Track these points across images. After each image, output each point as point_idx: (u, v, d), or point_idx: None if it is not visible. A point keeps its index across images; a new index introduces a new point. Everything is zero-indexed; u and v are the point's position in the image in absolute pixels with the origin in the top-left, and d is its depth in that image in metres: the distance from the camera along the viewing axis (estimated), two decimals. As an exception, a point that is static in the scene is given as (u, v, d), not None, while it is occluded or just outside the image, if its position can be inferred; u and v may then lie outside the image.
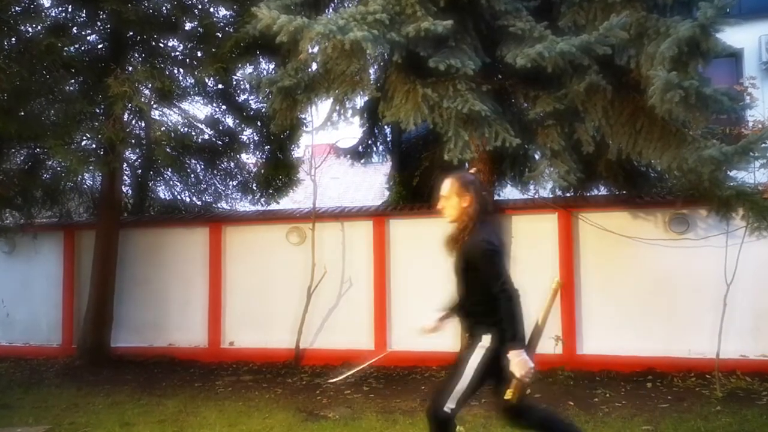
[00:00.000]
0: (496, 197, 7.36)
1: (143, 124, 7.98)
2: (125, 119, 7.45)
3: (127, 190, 9.14)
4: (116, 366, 7.48)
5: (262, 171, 8.64)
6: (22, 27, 6.74)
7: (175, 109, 8.27)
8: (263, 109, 7.60)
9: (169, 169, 8.73)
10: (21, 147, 7.63)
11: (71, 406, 5.70)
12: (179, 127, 8.14)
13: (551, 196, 6.79)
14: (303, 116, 6.85)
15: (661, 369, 6.45)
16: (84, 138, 7.56)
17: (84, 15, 7.48)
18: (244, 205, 9.40)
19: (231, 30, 7.02)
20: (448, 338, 6.23)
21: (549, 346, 6.72)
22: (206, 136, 8.51)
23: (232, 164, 9.01)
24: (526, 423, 3.13)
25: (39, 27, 6.88)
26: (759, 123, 7.06)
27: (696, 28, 4.60)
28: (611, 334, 6.79)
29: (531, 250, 7.05)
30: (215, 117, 8.50)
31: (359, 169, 10.26)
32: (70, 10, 7.38)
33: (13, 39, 6.65)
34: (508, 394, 2.98)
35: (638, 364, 6.55)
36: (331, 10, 6.36)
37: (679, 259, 6.67)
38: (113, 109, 6.46)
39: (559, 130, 5.62)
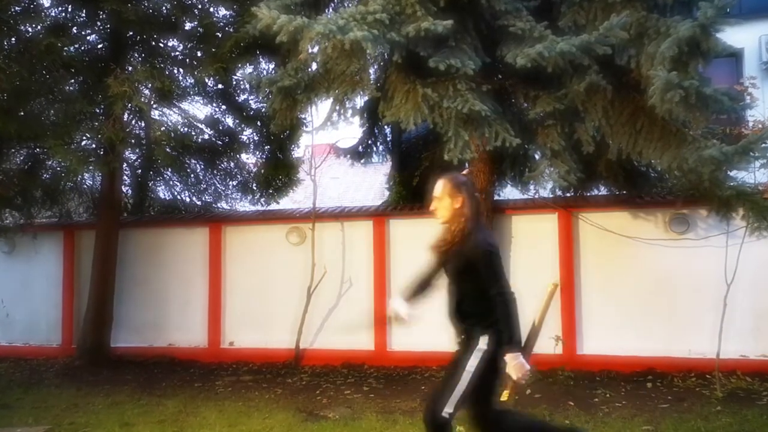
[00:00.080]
0: (496, 197, 7.35)
1: (143, 124, 7.97)
2: (125, 119, 7.45)
3: (127, 190, 9.14)
4: (116, 366, 7.48)
5: (262, 171, 8.64)
6: (22, 27, 6.74)
7: (174, 109, 8.27)
8: (263, 109, 7.59)
9: (169, 169, 8.73)
10: (21, 147, 7.62)
11: (71, 406, 5.69)
12: (179, 127, 8.14)
13: (551, 196, 6.79)
14: (303, 116, 6.84)
15: (661, 369, 6.45)
16: (84, 138, 7.55)
17: (84, 15, 7.47)
18: (244, 205, 9.39)
19: (231, 30, 7.02)
20: (448, 338, 6.20)
21: (549, 346, 6.72)
22: (206, 136, 8.50)
23: (232, 164, 9.01)
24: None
25: (39, 27, 6.88)
26: (759, 123, 7.05)
27: (696, 28, 4.60)
28: (611, 334, 6.78)
29: (531, 250, 7.06)
30: (215, 117, 8.49)
31: (359, 169, 10.26)
32: (69, 9, 7.38)
33: (13, 39, 6.65)
34: (504, 396, 3.03)
35: (638, 364, 6.55)
36: (331, 9, 6.36)
37: (680, 259, 6.67)
38: (113, 109, 6.46)
39: (559, 130, 5.62)
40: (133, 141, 7.88)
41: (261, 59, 7.57)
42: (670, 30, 4.89)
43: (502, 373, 2.96)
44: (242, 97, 8.34)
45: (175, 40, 7.65)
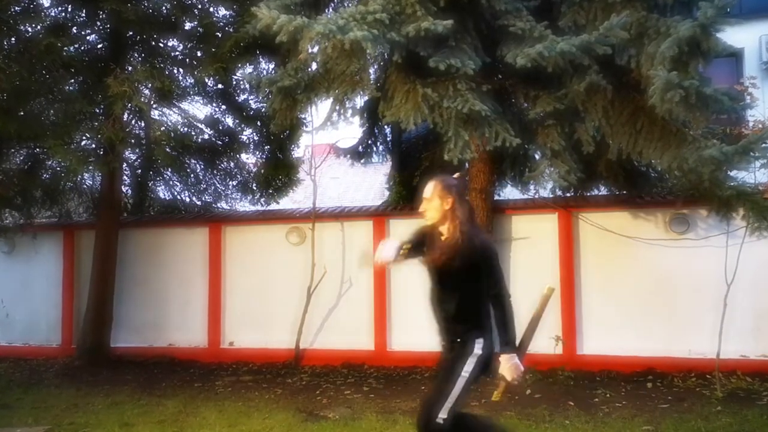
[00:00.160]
0: (496, 197, 7.35)
1: (143, 124, 7.97)
2: (125, 119, 7.45)
3: (126, 190, 9.14)
4: (116, 366, 7.47)
5: (262, 171, 8.64)
6: (22, 27, 6.74)
7: (174, 109, 8.27)
8: (263, 109, 7.59)
9: (169, 169, 8.73)
10: (21, 147, 7.62)
11: (71, 407, 5.69)
12: (179, 127, 8.14)
13: (551, 196, 6.79)
14: (303, 116, 6.84)
15: (661, 369, 6.45)
16: (84, 138, 7.56)
17: (84, 15, 7.47)
18: (244, 205, 9.39)
19: (231, 30, 7.02)
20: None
21: (549, 346, 6.73)
22: (206, 136, 8.50)
23: (231, 164, 9.01)
24: None
25: (38, 27, 6.88)
26: (759, 123, 7.06)
27: (696, 27, 4.59)
28: (611, 334, 6.78)
29: (531, 250, 7.05)
30: (215, 117, 8.49)
31: (359, 169, 10.25)
32: (69, 9, 7.38)
33: (13, 39, 6.65)
34: (496, 396, 3.04)
35: (638, 365, 6.55)
36: (331, 9, 6.35)
37: (680, 259, 6.66)
38: (113, 109, 6.46)
39: (559, 130, 5.61)
40: (133, 141, 7.88)
41: (261, 59, 7.57)
42: (670, 30, 4.89)
43: (496, 374, 2.97)
44: (242, 97, 8.34)
45: (175, 40, 7.65)
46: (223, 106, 8.44)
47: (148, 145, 7.77)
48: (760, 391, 5.68)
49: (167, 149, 7.38)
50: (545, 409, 5.23)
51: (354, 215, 7.96)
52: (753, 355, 6.39)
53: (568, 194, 6.78)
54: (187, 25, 7.42)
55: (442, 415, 2.87)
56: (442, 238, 3.04)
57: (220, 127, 8.54)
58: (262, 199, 8.93)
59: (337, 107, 5.97)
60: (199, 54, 7.38)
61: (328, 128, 6.07)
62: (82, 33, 7.64)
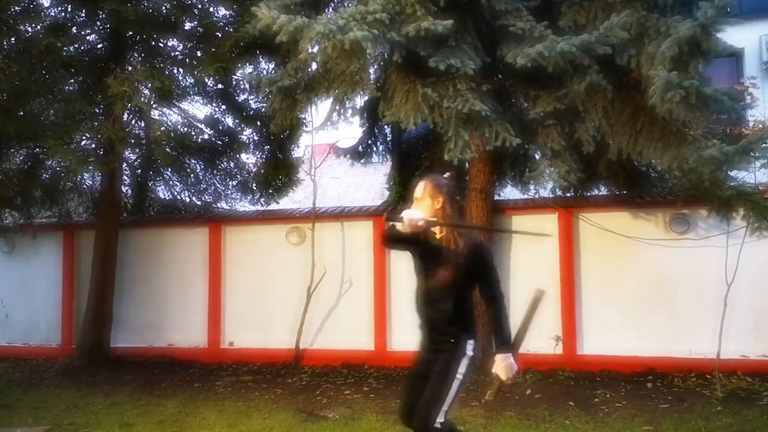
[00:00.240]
0: (496, 197, 7.35)
1: (143, 124, 7.97)
2: (125, 119, 7.45)
3: (126, 190, 9.14)
4: (116, 366, 7.47)
5: (262, 171, 8.63)
6: (22, 27, 6.74)
7: (174, 109, 8.26)
8: (263, 109, 7.59)
9: (169, 169, 8.72)
10: (20, 147, 7.62)
11: (71, 407, 5.69)
12: (179, 126, 8.14)
13: (551, 196, 6.79)
14: (303, 116, 6.84)
15: (661, 369, 6.44)
16: (83, 138, 7.55)
17: (83, 15, 7.47)
18: (244, 205, 9.39)
19: (231, 30, 7.01)
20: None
21: (549, 346, 6.73)
22: (206, 136, 8.50)
23: (231, 164, 9.01)
24: None
25: (38, 27, 6.88)
26: (759, 123, 7.05)
27: (696, 27, 4.59)
28: (612, 334, 6.78)
29: (531, 250, 7.04)
30: (215, 117, 8.49)
31: (359, 169, 10.24)
32: (69, 9, 7.37)
33: (13, 39, 6.64)
34: (490, 395, 3.05)
35: (639, 365, 6.54)
36: (331, 9, 6.35)
37: (680, 259, 6.66)
38: (113, 108, 6.46)
39: (559, 129, 5.61)
40: (132, 141, 7.88)
41: (261, 59, 7.57)
42: (670, 30, 4.89)
43: (490, 373, 2.97)
44: (242, 97, 8.34)
45: (174, 39, 7.65)
46: (223, 106, 8.43)
47: (148, 145, 7.77)
48: (761, 391, 5.68)
49: (167, 149, 7.38)
50: (545, 410, 5.23)
51: (354, 215, 7.95)
52: (753, 355, 6.38)
53: (568, 194, 6.78)
54: (187, 25, 7.42)
55: (440, 419, 2.86)
56: (437, 236, 3.02)
57: (220, 127, 8.54)
58: (262, 199, 8.93)
59: (337, 107, 5.97)
60: (199, 54, 7.38)
61: (328, 128, 6.08)
62: (82, 33, 7.64)
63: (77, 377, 6.99)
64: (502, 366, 2.91)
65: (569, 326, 6.85)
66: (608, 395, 5.70)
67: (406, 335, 7.13)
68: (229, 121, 8.56)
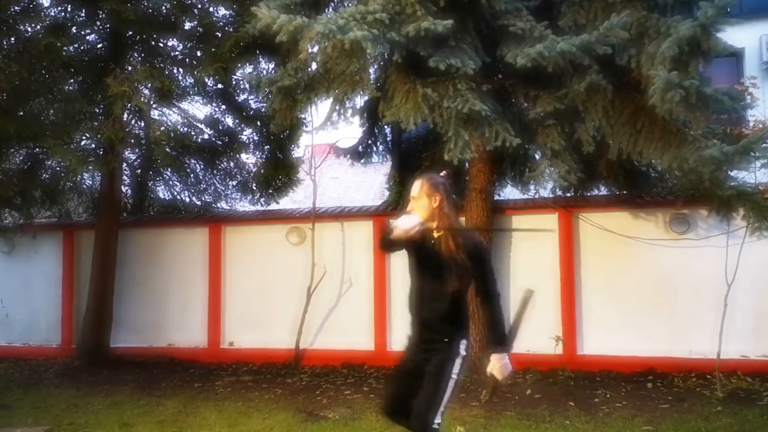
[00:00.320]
0: (496, 197, 7.34)
1: (143, 124, 7.97)
2: (125, 119, 7.44)
3: (126, 190, 9.13)
4: (116, 366, 7.47)
5: (262, 171, 8.63)
6: (22, 26, 6.73)
7: (174, 109, 8.26)
8: (263, 109, 7.59)
9: (169, 169, 8.73)
10: (20, 147, 7.62)
11: (70, 407, 5.69)
12: (179, 126, 8.14)
13: (551, 196, 6.78)
14: (303, 116, 6.83)
15: (661, 369, 6.44)
16: (83, 138, 7.55)
17: (83, 14, 7.47)
18: (244, 205, 9.39)
19: (231, 29, 7.01)
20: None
21: (549, 346, 6.73)
22: (206, 136, 8.50)
23: (231, 164, 9.00)
24: None
25: (38, 26, 6.88)
26: (760, 123, 7.04)
27: (697, 27, 4.59)
28: (612, 334, 6.77)
29: (531, 250, 7.04)
30: (215, 117, 8.49)
31: (359, 169, 10.24)
32: (69, 9, 7.37)
33: (13, 39, 6.64)
34: (486, 395, 3.08)
35: (639, 365, 6.54)
36: (331, 9, 6.35)
37: (680, 259, 6.66)
38: (113, 108, 6.45)
39: (559, 129, 5.61)
40: (132, 141, 7.88)
41: (261, 59, 7.56)
42: (670, 30, 4.88)
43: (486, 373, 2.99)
44: (242, 97, 8.34)
45: (174, 39, 7.65)
46: (223, 106, 8.43)
47: (148, 145, 7.77)
48: (761, 391, 5.68)
49: (167, 149, 7.38)
50: (545, 410, 5.22)
51: (354, 215, 7.95)
52: (753, 356, 6.38)
53: (568, 194, 6.77)
54: (187, 25, 7.42)
55: (438, 419, 2.86)
56: (435, 236, 3.00)
57: (220, 127, 8.54)
58: (262, 199, 8.93)
59: (337, 107, 5.96)
60: (199, 54, 7.38)
61: (328, 128, 6.07)
62: (82, 33, 7.63)
63: (77, 377, 6.99)
64: (497, 366, 2.92)
65: (569, 326, 6.85)
66: (608, 395, 5.70)
67: (406, 335, 7.17)
68: (229, 121, 8.57)
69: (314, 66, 5.96)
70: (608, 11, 5.20)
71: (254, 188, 8.89)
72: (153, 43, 7.58)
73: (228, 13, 7.44)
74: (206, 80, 7.56)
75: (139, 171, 9.05)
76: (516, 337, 3.10)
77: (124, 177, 8.66)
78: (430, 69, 5.17)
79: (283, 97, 5.95)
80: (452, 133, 5.22)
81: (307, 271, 7.47)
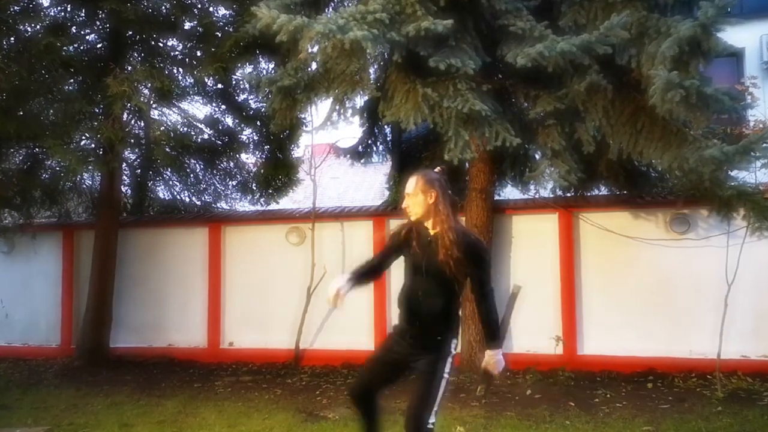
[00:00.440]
0: (496, 197, 7.34)
1: (142, 124, 7.96)
2: (124, 119, 7.44)
3: (126, 190, 9.13)
4: (115, 366, 7.46)
5: (262, 171, 8.62)
6: (21, 26, 6.73)
7: (174, 109, 8.26)
8: (263, 109, 7.58)
9: (169, 169, 8.72)
10: (20, 147, 7.61)
11: (70, 407, 5.68)
12: (179, 126, 8.13)
13: (552, 196, 6.78)
14: (303, 116, 6.83)
15: (662, 369, 6.44)
16: (83, 138, 7.55)
17: (83, 14, 7.46)
18: (244, 205, 9.38)
19: (230, 29, 7.01)
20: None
21: (549, 346, 6.73)
22: (206, 136, 8.49)
23: (231, 164, 9.00)
24: None
25: (38, 26, 6.87)
26: (760, 123, 7.04)
27: (697, 27, 4.59)
28: (612, 334, 6.77)
29: (531, 250, 7.04)
30: (215, 117, 8.48)
31: (359, 169, 10.23)
32: (69, 9, 7.36)
33: (12, 38, 6.64)
34: (481, 390, 3.12)
35: (639, 365, 6.54)
36: (330, 9, 6.34)
37: (680, 259, 6.65)
38: (112, 108, 6.45)
39: (559, 129, 5.60)
40: (132, 141, 7.88)
41: (261, 59, 7.56)
42: (670, 29, 4.88)
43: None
44: (242, 97, 8.33)
45: (174, 39, 7.64)
46: (223, 106, 8.42)
47: (148, 145, 7.76)
48: (761, 391, 5.67)
49: (167, 149, 7.37)
50: (545, 410, 5.22)
51: (354, 215, 7.95)
52: (754, 356, 6.38)
53: (568, 194, 6.77)
54: (187, 25, 7.41)
55: (432, 419, 2.85)
56: (431, 233, 2.99)
57: (220, 127, 8.53)
58: (262, 199, 8.92)
59: (337, 107, 5.96)
60: (198, 54, 7.37)
61: (328, 128, 6.07)
62: (82, 33, 7.62)
63: (77, 377, 6.98)
64: (492, 362, 2.97)
65: (569, 326, 6.84)
66: (608, 395, 5.69)
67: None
68: (229, 121, 8.56)
69: (314, 66, 5.96)
70: (608, 11, 5.21)
71: (254, 188, 8.88)
72: (153, 42, 7.57)
73: (228, 13, 7.44)
74: (206, 80, 7.56)
75: (139, 171, 9.04)
76: (506, 333, 3.14)
77: (124, 177, 8.65)
78: (430, 69, 5.16)
79: (283, 97, 5.95)
80: (452, 133, 5.21)
81: (307, 271, 7.47)
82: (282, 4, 5.48)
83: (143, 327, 8.19)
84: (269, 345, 7.63)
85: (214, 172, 9.05)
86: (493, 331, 2.99)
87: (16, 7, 6.58)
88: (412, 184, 3.05)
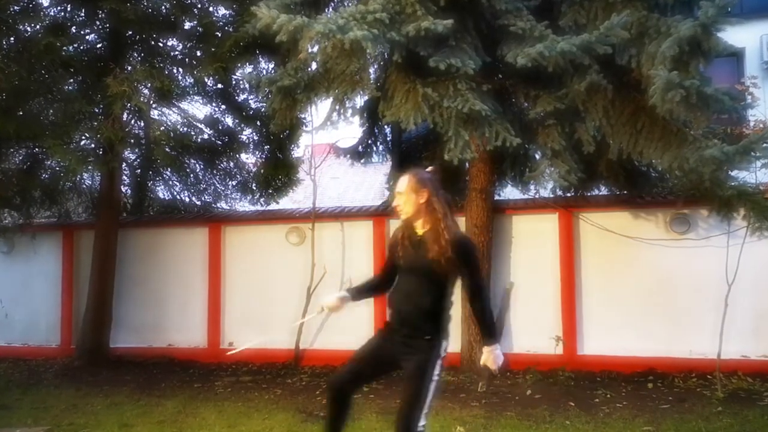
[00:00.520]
0: (496, 197, 7.34)
1: (142, 124, 7.96)
2: (124, 119, 7.44)
3: (126, 190, 9.12)
4: (115, 366, 7.46)
5: (262, 171, 8.62)
6: (21, 26, 6.73)
7: (174, 109, 8.25)
8: (263, 109, 7.58)
9: (169, 169, 8.71)
10: (20, 147, 7.61)
11: (70, 407, 5.67)
12: (178, 126, 8.12)
13: (552, 196, 6.78)
14: (303, 116, 6.83)
15: (662, 369, 6.43)
16: (83, 138, 7.54)
17: (83, 14, 7.46)
18: (244, 205, 9.38)
19: (230, 29, 7.01)
20: (450, 339, 6.16)
21: (549, 346, 6.72)
22: (206, 136, 8.49)
23: (231, 164, 8.99)
24: None
25: (38, 26, 6.87)
26: (760, 122, 7.05)
27: (697, 27, 4.59)
28: (612, 334, 6.77)
29: (531, 250, 7.04)
30: (214, 117, 8.48)
31: (359, 169, 10.22)
32: (69, 9, 7.36)
33: (12, 38, 6.64)
34: (482, 387, 3.12)
35: (639, 365, 6.53)
36: (330, 9, 6.34)
37: (680, 259, 6.65)
38: (112, 108, 6.45)
39: (559, 129, 5.60)
40: (132, 141, 7.87)
41: (261, 59, 7.56)
42: (670, 29, 4.88)
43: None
44: (242, 97, 8.33)
45: (174, 39, 7.64)
46: (223, 106, 8.42)
47: (148, 145, 7.76)
48: (761, 391, 5.67)
49: (167, 149, 7.37)
50: (546, 410, 5.21)
51: (354, 215, 7.95)
52: (754, 356, 6.38)
53: (568, 194, 6.77)
54: (187, 25, 7.41)
55: (422, 421, 2.85)
56: (419, 232, 3.00)
57: (220, 127, 8.53)
58: (262, 199, 8.92)
59: (337, 107, 5.96)
60: (198, 54, 7.37)
61: (328, 128, 6.07)
62: (82, 32, 7.62)
63: (77, 377, 6.98)
64: (490, 357, 2.96)
65: (569, 326, 6.84)
66: (609, 395, 5.69)
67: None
68: (229, 120, 8.56)
69: (314, 66, 5.96)
70: (608, 11, 5.21)
71: (254, 188, 8.88)
72: (153, 42, 7.57)
73: (228, 12, 7.44)
74: (206, 80, 7.56)
75: (139, 171, 9.04)
76: (503, 329, 3.15)
77: (124, 177, 8.65)
78: (430, 69, 5.16)
79: (283, 97, 5.95)
80: (452, 133, 5.21)
81: (307, 271, 7.47)
82: (282, 4, 5.48)
83: (143, 327, 8.19)
84: (269, 345, 7.62)
85: (214, 172, 9.05)
86: (489, 327, 3.00)
87: (16, 7, 6.59)
88: (404, 183, 3.05)
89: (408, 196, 3.01)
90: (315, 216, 7.67)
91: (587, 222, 6.98)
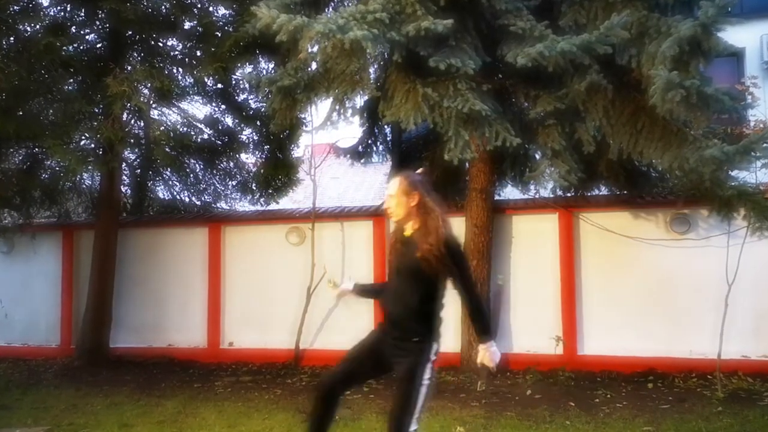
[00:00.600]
0: (496, 197, 7.34)
1: (142, 124, 7.96)
2: (124, 119, 7.43)
3: (126, 190, 9.12)
4: (115, 367, 7.46)
5: (262, 171, 8.62)
6: (21, 26, 6.73)
7: (174, 109, 8.25)
8: (263, 109, 7.58)
9: (168, 169, 8.71)
10: (19, 147, 7.61)
11: (70, 407, 5.67)
12: (178, 126, 8.12)
13: (552, 196, 6.78)
14: (303, 116, 6.83)
15: (662, 369, 6.43)
16: (83, 138, 7.54)
17: (83, 14, 7.46)
18: (244, 205, 9.38)
19: (230, 29, 7.00)
20: (450, 339, 6.20)
21: (549, 346, 6.72)
22: (205, 136, 8.49)
23: (231, 164, 8.99)
24: None
25: (38, 26, 6.87)
26: (760, 122, 7.04)
27: (697, 27, 4.58)
28: (612, 334, 6.77)
29: (532, 250, 7.04)
30: (214, 116, 8.48)
31: (359, 169, 10.22)
32: (68, 9, 7.36)
33: (12, 38, 6.64)
34: (481, 385, 3.13)
35: (639, 365, 6.53)
36: (330, 9, 6.34)
37: (681, 259, 6.65)
38: (112, 108, 6.44)
39: (559, 129, 5.60)
40: (132, 141, 7.87)
41: (260, 59, 7.56)
42: (671, 29, 4.88)
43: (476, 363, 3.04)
44: (242, 97, 8.33)
45: (174, 39, 7.64)
46: (223, 106, 8.42)
47: (148, 145, 7.76)
48: (761, 391, 5.67)
49: (167, 149, 7.37)
50: (546, 410, 5.21)
51: (354, 215, 7.94)
52: (754, 356, 6.37)
53: (568, 194, 6.77)
54: (187, 25, 7.41)
55: (414, 426, 2.84)
56: (408, 234, 3.00)
57: (220, 127, 8.52)
58: (262, 199, 8.91)
59: (337, 107, 5.96)
60: (198, 54, 7.37)
61: (328, 128, 6.06)
62: (81, 32, 7.62)
63: (76, 378, 6.98)
64: (487, 355, 2.96)
65: (569, 326, 6.84)
66: (609, 396, 5.69)
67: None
68: (229, 120, 8.55)
69: (314, 66, 5.95)
70: (609, 11, 5.20)
71: (254, 188, 8.88)
72: (153, 42, 7.56)
73: (228, 12, 7.43)
74: (206, 80, 7.56)
75: (139, 171, 9.04)
76: (498, 326, 3.15)
77: (124, 177, 8.65)
78: (430, 69, 5.16)
79: (283, 97, 5.94)
80: (452, 132, 5.21)
81: (307, 271, 7.46)
82: (282, 3, 5.48)
83: (143, 327, 8.19)
84: (269, 345, 7.63)
85: (214, 172, 9.05)
86: (483, 325, 2.99)
87: (16, 7, 6.58)
88: (395, 185, 3.05)
89: (399, 198, 3.01)
90: (315, 216, 7.67)
91: (587, 222, 6.98)
